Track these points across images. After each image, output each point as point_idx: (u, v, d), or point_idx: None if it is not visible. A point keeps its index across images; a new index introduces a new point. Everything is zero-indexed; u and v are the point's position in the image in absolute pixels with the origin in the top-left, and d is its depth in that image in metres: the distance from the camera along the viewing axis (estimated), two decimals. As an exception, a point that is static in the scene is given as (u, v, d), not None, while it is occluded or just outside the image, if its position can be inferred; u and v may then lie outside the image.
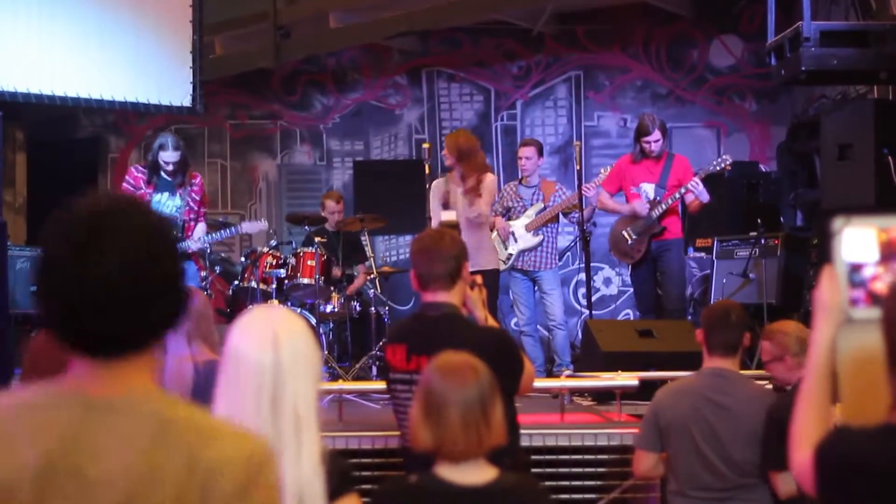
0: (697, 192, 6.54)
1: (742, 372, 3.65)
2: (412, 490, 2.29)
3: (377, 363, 6.81)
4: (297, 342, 2.01)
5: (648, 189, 6.71)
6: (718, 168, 6.75)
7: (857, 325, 1.76)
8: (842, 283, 1.76)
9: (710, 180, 6.97)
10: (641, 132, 6.71)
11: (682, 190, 6.57)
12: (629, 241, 6.73)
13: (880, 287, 1.73)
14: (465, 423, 2.21)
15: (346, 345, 7.25)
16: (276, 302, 6.89)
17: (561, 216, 7.17)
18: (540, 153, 7.20)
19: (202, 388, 3.50)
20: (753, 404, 3.41)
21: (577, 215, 6.95)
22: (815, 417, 1.79)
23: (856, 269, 1.75)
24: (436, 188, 6.50)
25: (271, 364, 1.96)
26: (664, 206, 6.61)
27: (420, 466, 2.55)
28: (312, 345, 2.04)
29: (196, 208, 6.51)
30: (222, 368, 2.02)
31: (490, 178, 6.42)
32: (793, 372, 3.41)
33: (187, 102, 7.88)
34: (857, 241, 1.75)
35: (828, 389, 1.80)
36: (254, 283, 7.01)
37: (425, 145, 6.14)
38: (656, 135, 6.66)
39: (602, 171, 7.13)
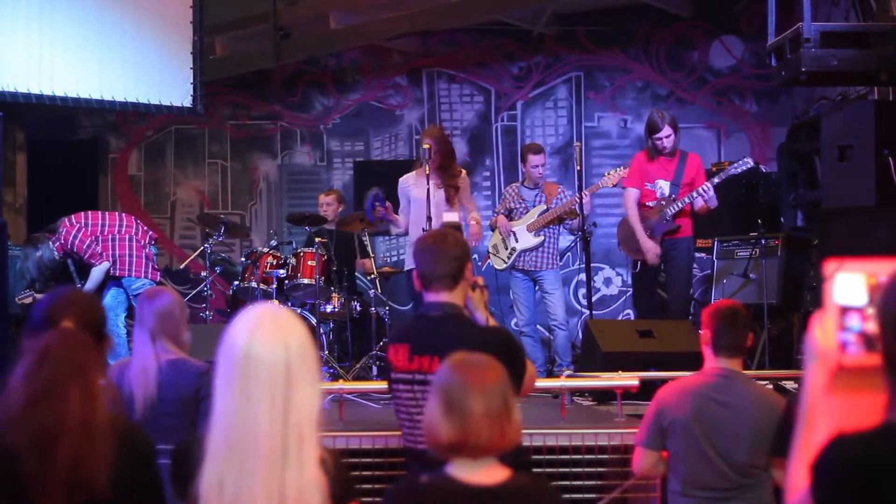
0: (707, 198, 6.44)
1: (743, 372, 3.65)
2: (424, 490, 2.25)
3: (377, 363, 6.81)
4: (303, 344, 1.99)
5: (664, 186, 6.60)
6: (738, 171, 6.57)
7: (849, 372, 1.76)
8: (834, 328, 1.76)
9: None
10: (651, 129, 6.57)
11: (694, 194, 6.46)
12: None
13: (872, 328, 1.73)
14: (489, 414, 2.17)
15: (347, 345, 7.25)
16: (276, 302, 6.89)
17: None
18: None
19: (165, 386, 3.53)
20: (757, 405, 3.41)
21: (570, 223, 7.00)
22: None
23: (845, 312, 1.75)
24: (402, 184, 6.51)
25: (283, 365, 1.94)
26: (679, 206, 6.51)
27: (421, 467, 2.54)
28: (315, 349, 2.04)
29: (82, 264, 6.79)
30: (226, 370, 1.98)
31: (467, 178, 6.52)
32: None
33: (188, 103, 7.89)
34: (847, 285, 1.75)
35: (823, 436, 1.79)
36: (254, 283, 7.01)
37: (425, 146, 6.12)
38: (667, 130, 6.51)
39: (606, 174, 7.08)
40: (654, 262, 6.57)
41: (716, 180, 6.47)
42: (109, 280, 6.80)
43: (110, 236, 6.77)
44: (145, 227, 7.05)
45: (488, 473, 2.21)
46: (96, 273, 6.69)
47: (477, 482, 2.20)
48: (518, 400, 3.19)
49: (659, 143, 6.55)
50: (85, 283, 6.70)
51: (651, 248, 6.55)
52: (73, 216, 6.81)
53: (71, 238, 6.68)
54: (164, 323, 3.65)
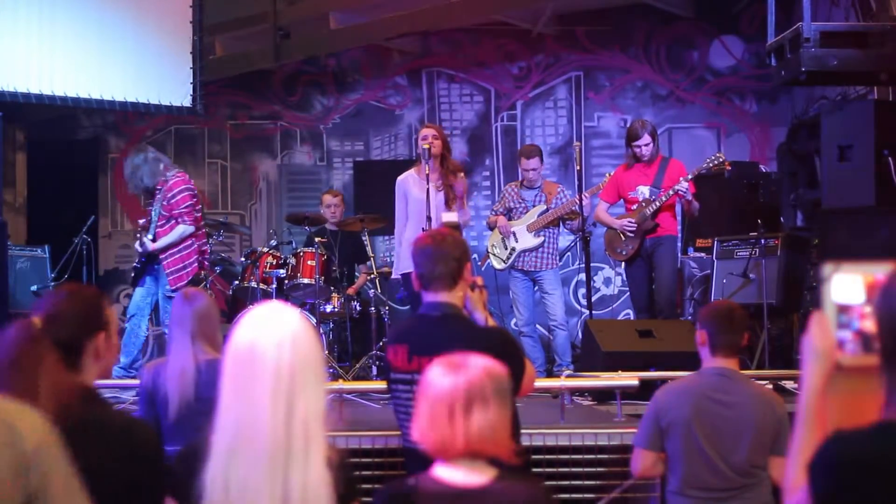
0: (683, 192, 6.50)
1: (742, 372, 3.65)
2: (410, 492, 2.26)
3: (377, 363, 6.81)
4: (310, 343, 2.00)
5: (644, 191, 6.72)
6: (710, 167, 6.67)
7: (847, 373, 1.76)
8: (832, 328, 1.76)
9: (710, 181, 6.94)
10: (631, 137, 6.75)
11: (670, 192, 6.55)
12: (623, 239, 6.78)
13: (869, 327, 1.73)
14: (452, 416, 2.15)
15: (347, 345, 7.25)
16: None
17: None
18: (542, 159, 7.20)
19: (204, 386, 3.55)
20: (756, 404, 3.41)
21: (571, 223, 7.02)
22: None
23: (843, 310, 1.76)
24: (401, 184, 6.46)
25: (289, 363, 1.95)
26: (657, 204, 6.61)
27: (421, 466, 2.54)
28: (320, 349, 2.04)
29: (166, 213, 6.55)
30: (231, 366, 1.99)
31: (464, 179, 6.45)
32: None
33: (187, 103, 7.89)
34: (845, 285, 1.76)
35: (821, 437, 1.79)
36: (254, 283, 7.01)
37: (425, 146, 6.11)
38: (646, 139, 6.66)
39: (607, 175, 7.13)
40: (629, 231, 6.70)
41: (690, 177, 6.55)
42: (147, 266, 6.61)
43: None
44: (208, 250, 6.88)
45: (474, 474, 2.20)
46: (178, 231, 6.48)
47: (462, 483, 2.19)
48: (517, 400, 3.21)
49: (637, 150, 6.71)
50: (154, 240, 6.52)
51: (623, 223, 6.73)
52: (189, 179, 6.66)
53: (181, 187, 6.51)
54: (203, 324, 3.71)
